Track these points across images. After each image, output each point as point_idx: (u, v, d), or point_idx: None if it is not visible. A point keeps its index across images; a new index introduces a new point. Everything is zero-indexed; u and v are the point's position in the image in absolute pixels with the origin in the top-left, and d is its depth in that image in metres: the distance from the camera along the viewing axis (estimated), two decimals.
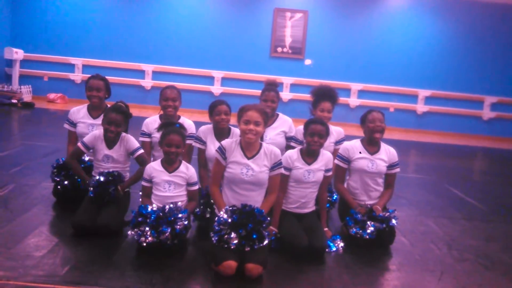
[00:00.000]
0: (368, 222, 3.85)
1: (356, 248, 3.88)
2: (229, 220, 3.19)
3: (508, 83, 12.54)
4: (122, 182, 3.91)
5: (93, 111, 4.51)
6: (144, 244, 3.31)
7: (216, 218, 3.27)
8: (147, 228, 3.31)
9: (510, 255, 4.09)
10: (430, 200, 5.75)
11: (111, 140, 3.93)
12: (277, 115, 4.66)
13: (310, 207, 3.95)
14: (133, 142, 4.03)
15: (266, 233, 3.25)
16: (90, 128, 4.42)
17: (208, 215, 3.83)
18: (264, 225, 3.24)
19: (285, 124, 4.62)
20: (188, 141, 4.31)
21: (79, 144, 4.07)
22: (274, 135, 4.52)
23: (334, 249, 3.78)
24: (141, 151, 4.04)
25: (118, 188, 3.84)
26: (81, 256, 3.32)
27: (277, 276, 3.28)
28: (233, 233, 3.15)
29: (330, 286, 3.25)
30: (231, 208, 3.27)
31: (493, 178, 7.92)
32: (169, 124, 3.74)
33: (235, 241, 3.14)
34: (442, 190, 6.33)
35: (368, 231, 3.82)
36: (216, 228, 3.20)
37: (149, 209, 3.42)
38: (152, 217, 3.34)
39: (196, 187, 3.76)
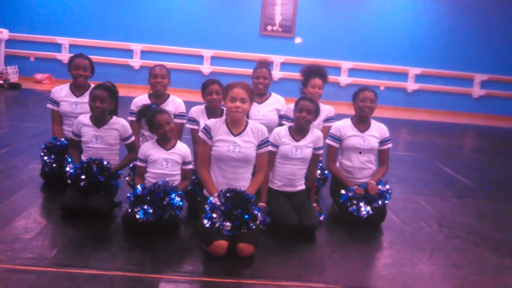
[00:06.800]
0: (362, 204, 3.87)
1: (347, 226, 3.90)
2: (222, 208, 3.15)
3: (498, 61, 12.55)
4: (105, 169, 3.78)
5: (75, 90, 4.44)
6: (144, 219, 3.28)
7: (208, 203, 3.23)
8: (146, 206, 3.30)
9: (501, 232, 4.12)
10: (421, 178, 5.77)
11: (98, 118, 3.86)
12: (270, 93, 4.63)
13: (299, 185, 3.93)
14: (129, 128, 3.99)
15: (257, 210, 3.24)
16: (73, 106, 4.36)
17: (199, 199, 3.79)
18: (252, 205, 3.22)
19: (278, 102, 4.60)
20: (179, 120, 4.28)
21: (70, 134, 4.03)
22: (267, 112, 4.50)
23: None
24: (133, 138, 4.01)
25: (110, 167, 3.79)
26: (71, 238, 3.28)
27: (269, 256, 3.27)
28: (227, 222, 3.12)
29: (321, 264, 3.25)
30: (223, 195, 3.22)
31: (483, 155, 7.97)
32: (146, 109, 3.73)
33: (229, 228, 3.12)
34: (432, 168, 6.35)
35: (364, 212, 3.84)
36: (208, 212, 3.17)
37: (141, 186, 3.41)
38: (146, 193, 3.34)
39: (190, 167, 3.74)
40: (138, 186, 3.42)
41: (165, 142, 3.65)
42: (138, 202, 3.34)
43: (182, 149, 3.68)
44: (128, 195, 3.42)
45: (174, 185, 3.50)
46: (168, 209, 3.34)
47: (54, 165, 4.16)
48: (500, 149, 8.89)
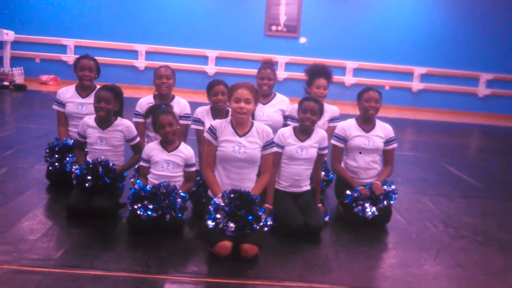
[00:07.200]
0: (367, 205, 3.86)
1: (352, 227, 3.89)
2: (226, 209, 3.16)
3: (504, 60, 12.49)
4: (111, 170, 3.80)
5: (81, 91, 4.46)
6: (145, 215, 3.29)
7: (212, 204, 3.23)
8: (146, 202, 3.31)
9: (506, 232, 4.10)
10: (426, 178, 5.75)
11: (103, 120, 3.87)
12: (275, 94, 4.62)
13: (305, 186, 3.93)
14: (133, 129, 4.00)
15: (262, 211, 3.24)
16: (79, 108, 4.39)
17: (204, 200, 3.80)
18: (256, 206, 3.21)
19: (283, 103, 4.58)
20: (184, 122, 4.27)
21: (76, 136, 4.06)
22: (271, 112, 4.49)
23: None
24: (138, 139, 4.02)
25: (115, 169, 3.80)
26: (76, 239, 3.29)
27: (273, 256, 3.27)
28: (231, 223, 3.12)
29: (327, 265, 3.25)
30: (227, 196, 3.22)
31: (488, 155, 7.94)
32: (155, 108, 3.72)
33: (233, 229, 3.12)
34: (438, 168, 6.33)
35: (369, 213, 3.84)
36: (212, 213, 3.18)
37: (138, 183, 3.46)
38: (147, 192, 3.36)
39: (193, 169, 3.73)
40: (135, 185, 3.44)
41: (168, 143, 3.65)
42: (138, 199, 3.35)
43: (185, 151, 3.66)
44: (131, 190, 3.44)
45: (175, 186, 3.50)
46: (169, 210, 3.35)
47: (56, 164, 4.17)
48: (505, 149, 8.85)
